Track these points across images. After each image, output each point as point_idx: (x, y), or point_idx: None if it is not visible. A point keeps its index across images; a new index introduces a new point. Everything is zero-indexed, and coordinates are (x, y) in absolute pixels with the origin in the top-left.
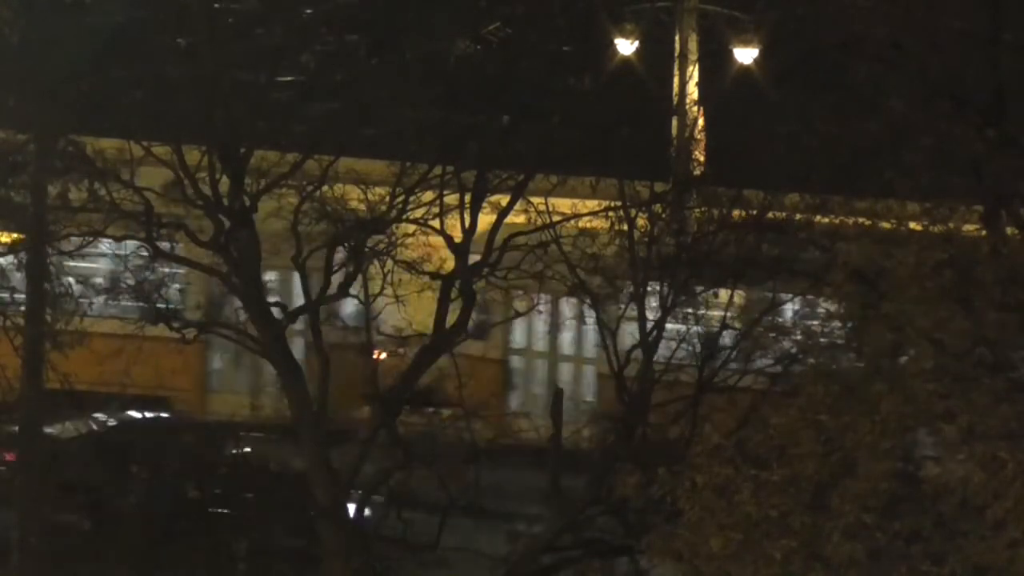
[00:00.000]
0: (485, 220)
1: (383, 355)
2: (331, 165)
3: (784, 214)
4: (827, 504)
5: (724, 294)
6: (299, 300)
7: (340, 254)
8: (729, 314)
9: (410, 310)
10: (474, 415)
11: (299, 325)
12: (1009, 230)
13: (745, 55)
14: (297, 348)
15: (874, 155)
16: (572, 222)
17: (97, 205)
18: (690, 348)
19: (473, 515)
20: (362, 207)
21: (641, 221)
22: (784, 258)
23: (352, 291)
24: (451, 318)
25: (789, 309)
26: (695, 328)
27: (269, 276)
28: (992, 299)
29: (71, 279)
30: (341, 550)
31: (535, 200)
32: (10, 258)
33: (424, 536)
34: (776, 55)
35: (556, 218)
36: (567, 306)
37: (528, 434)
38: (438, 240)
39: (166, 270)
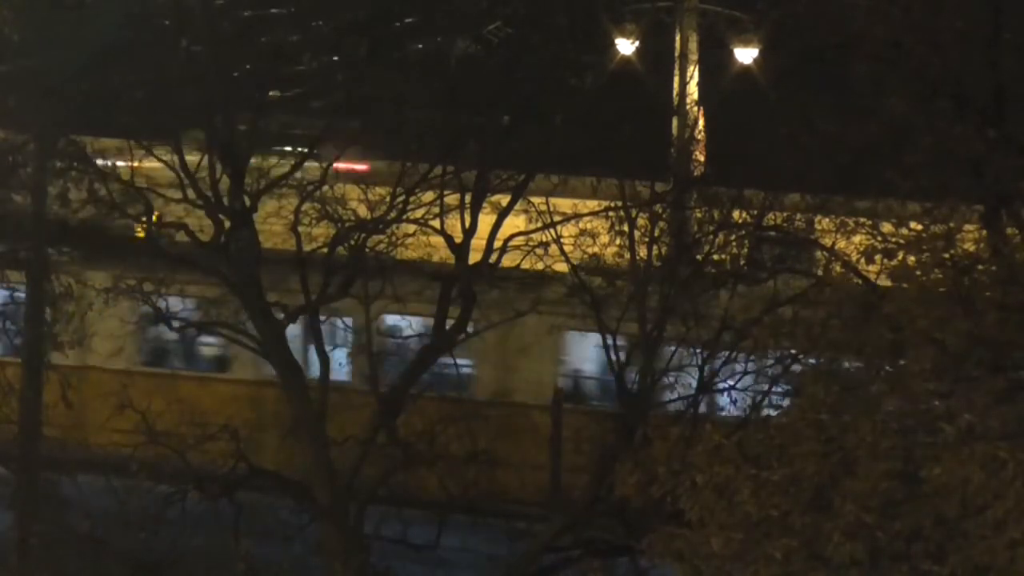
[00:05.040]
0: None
1: None
2: (331, 165)
3: (784, 214)
4: (827, 504)
5: (724, 296)
6: None
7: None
8: (729, 314)
9: None
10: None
11: None
12: (1009, 230)
13: (745, 55)
14: None
15: (874, 155)
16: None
17: (97, 205)
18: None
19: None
20: (362, 207)
21: (642, 221)
22: (784, 258)
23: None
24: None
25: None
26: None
27: None
28: (992, 299)
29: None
30: (341, 550)
31: (535, 200)
32: None
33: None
34: (776, 55)
35: (556, 218)
36: None
37: None
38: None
39: None
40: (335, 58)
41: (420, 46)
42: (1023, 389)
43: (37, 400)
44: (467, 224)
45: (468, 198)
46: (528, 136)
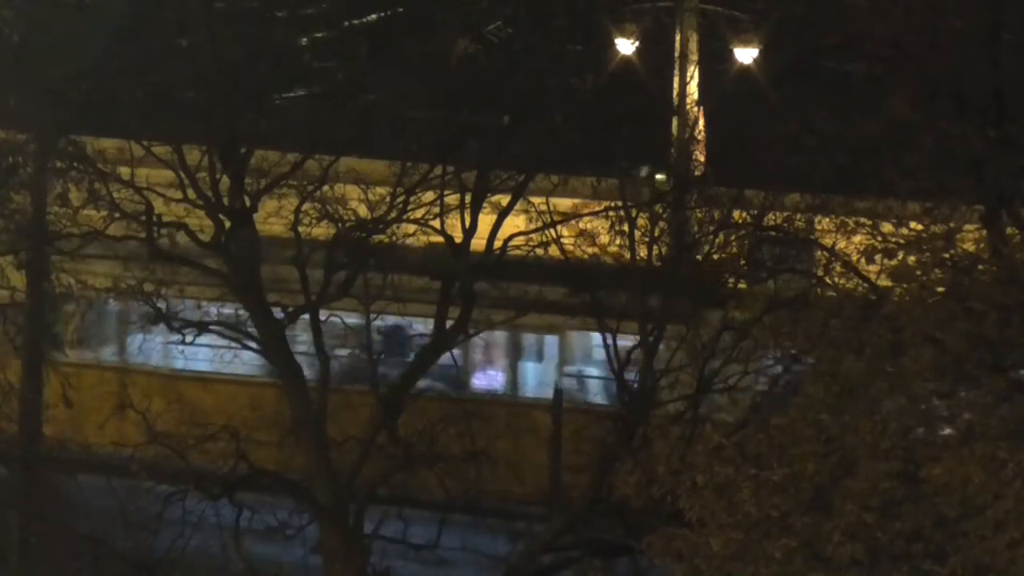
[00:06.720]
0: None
1: None
2: (331, 165)
3: (784, 214)
4: (827, 504)
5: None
6: None
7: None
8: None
9: None
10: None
11: None
12: (1009, 230)
13: (745, 55)
14: None
15: (874, 155)
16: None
17: (97, 205)
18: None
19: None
20: (362, 207)
21: (642, 221)
22: (784, 258)
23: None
24: None
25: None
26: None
27: None
28: (992, 299)
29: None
30: (341, 550)
31: (536, 200)
32: None
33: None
34: (776, 55)
35: (556, 218)
36: None
37: None
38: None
39: None
40: (335, 58)
41: (420, 46)
42: (1023, 389)
43: (37, 400)
44: (467, 224)
45: (468, 198)
46: (528, 136)
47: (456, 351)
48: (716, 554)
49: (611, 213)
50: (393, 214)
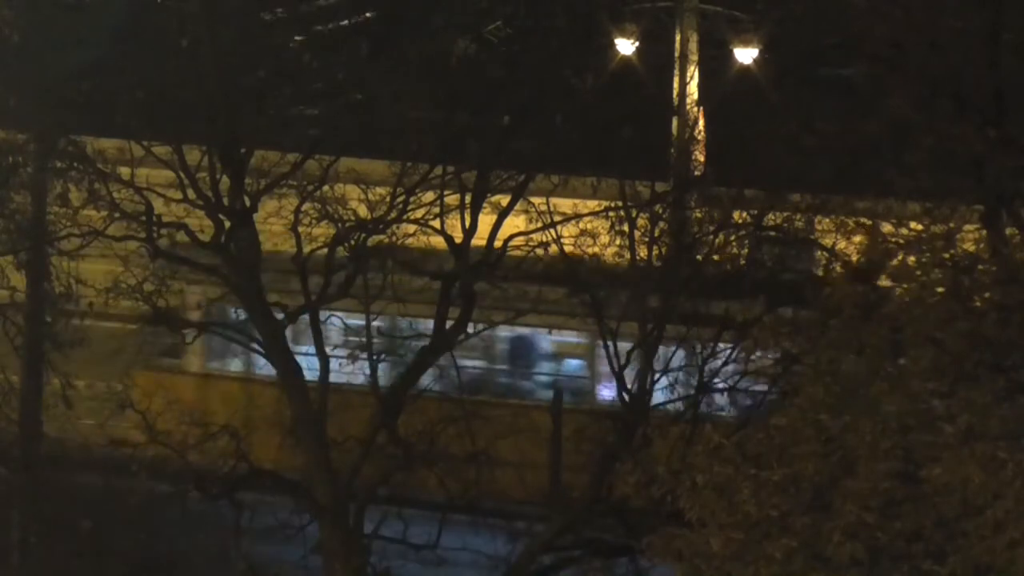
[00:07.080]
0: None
1: None
2: (331, 165)
3: (784, 214)
4: (827, 504)
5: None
6: None
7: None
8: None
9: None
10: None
11: None
12: (1009, 230)
13: (745, 55)
14: None
15: (874, 155)
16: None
17: (97, 205)
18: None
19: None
20: (362, 207)
21: (642, 221)
22: (784, 258)
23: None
24: None
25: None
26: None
27: None
28: (992, 299)
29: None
30: (341, 550)
31: (536, 200)
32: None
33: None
34: (776, 55)
35: (557, 218)
36: None
37: None
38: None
39: None
40: (336, 58)
41: (420, 46)
42: (1023, 389)
43: (37, 400)
44: (467, 224)
45: (468, 198)
46: (528, 136)
47: (583, 361)
48: (716, 554)
49: (611, 213)
50: (393, 214)
